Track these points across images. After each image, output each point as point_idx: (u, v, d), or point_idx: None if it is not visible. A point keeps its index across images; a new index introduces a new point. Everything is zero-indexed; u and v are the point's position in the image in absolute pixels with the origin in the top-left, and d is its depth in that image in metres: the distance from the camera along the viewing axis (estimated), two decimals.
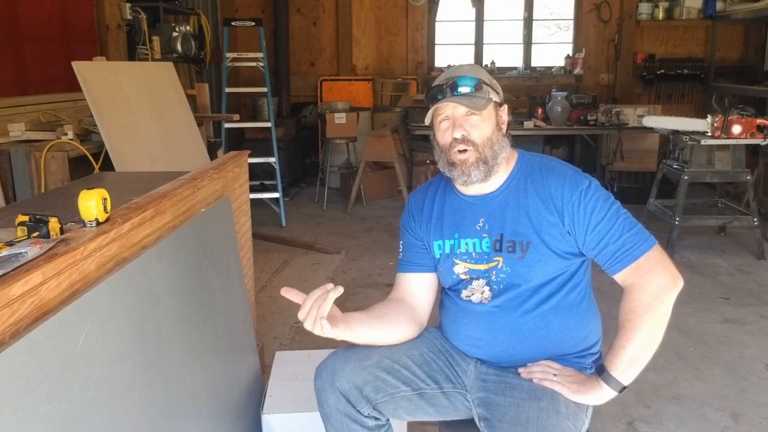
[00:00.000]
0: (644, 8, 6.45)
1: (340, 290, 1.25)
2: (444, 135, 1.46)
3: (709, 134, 3.93)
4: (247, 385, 1.89)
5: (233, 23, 5.16)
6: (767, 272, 3.89)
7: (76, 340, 1.03)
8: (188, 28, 4.82)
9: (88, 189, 1.22)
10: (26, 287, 0.96)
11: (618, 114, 5.44)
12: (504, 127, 1.49)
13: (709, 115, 3.97)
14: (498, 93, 1.48)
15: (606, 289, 1.63)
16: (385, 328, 1.47)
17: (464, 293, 1.49)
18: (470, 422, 1.45)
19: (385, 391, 1.40)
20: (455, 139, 1.43)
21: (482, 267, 1.46)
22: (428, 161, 5.63)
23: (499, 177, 1.48)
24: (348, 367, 1.40)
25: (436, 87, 1.46)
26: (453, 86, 1.42)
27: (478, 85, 1.43)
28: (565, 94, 5.61)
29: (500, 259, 1.44)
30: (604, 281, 1.53)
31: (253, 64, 5.09)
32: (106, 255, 1.20)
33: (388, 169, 5.78)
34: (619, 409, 2.33)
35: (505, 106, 1.51)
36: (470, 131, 1.42)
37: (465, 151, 1.42)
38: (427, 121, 1.49)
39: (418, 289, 1.56)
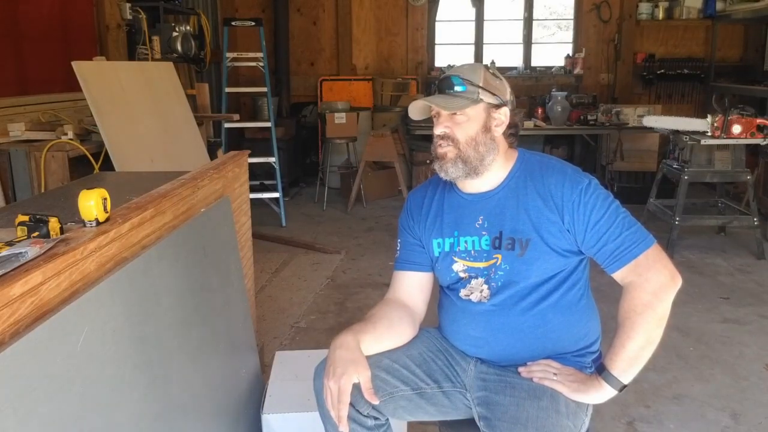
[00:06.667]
0: (644, 8, 6.45)
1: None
2: (435, 128, 1.49)
3: (709, 134, 3.93)
4: (247, 385, 1.89)
5: (233, 23, 5.16)
6: (767, 272, 3.89)
7: (76, 340, 1.03)
8: (188, 28, 4.82)
9: (88, 189, 1.22)
10: (26, 287, 0.96)
11: (618, 114, 5.44)
12: (498, 128, 1.47)
13: (709, 115, 3.97)
14: (495, 95, 1.47)
15: (605, 289, 1.63)
16: (393, 336, 1.49)
17: (463, 292, 1.49)
18: (470, 422, 1.45)
19: (385, 390, 1.41)
20: (437, 135, 1.46)
21: (481, 265, 1.46)
22: (428, 161, 5.59)
23: (499, 175, 1.49)
24: None
25: (434, 83, 1.49)
26: (441, 85, 1.46)
27: (468, 86, 1.44)
28: (565, 93, 5.61)
29: (499, 256, 1.44)
30: (603, 281, 1.53)
31: (253, 64, 5.08)
32: (106, 255, 1.20)
33: (388, 169, 5.78)
34: (619, 409, 2.33)
35: (505, 108, 1.49)
36: (454, 129, 1.44)
37: (446, 145, 1.45)
38: (416, 116, 1.53)
39: (414, 287, 1.57)
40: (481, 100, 1.44)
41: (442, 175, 1.48)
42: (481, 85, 1.45)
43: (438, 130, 1.45)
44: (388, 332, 1.48)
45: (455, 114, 1.44)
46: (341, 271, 3.96)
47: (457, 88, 1.43)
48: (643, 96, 6.56)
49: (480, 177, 1.47)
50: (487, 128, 1.46)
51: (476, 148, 1.44)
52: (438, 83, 1.46)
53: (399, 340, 1.50)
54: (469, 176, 1.46)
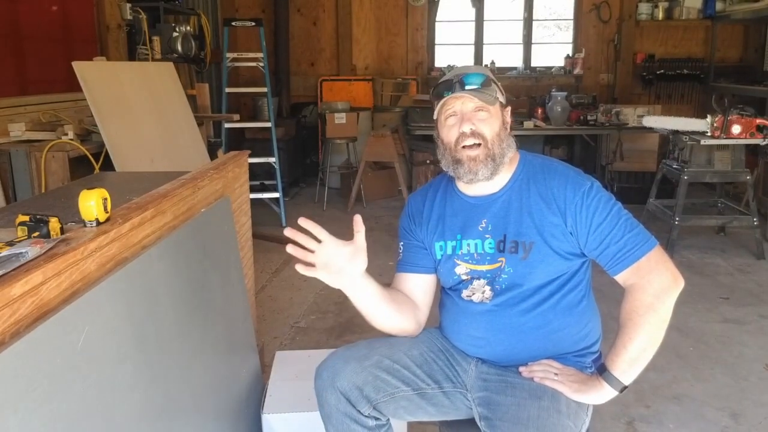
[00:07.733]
0: (644, 8, 6.45)
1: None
2: (450, 131, 1.46)
3: (709, 134, 3.93)
4: (247, 385, 1.89)
5: (233, 23, 5.16)
6: (767, 272, 3.89)
7: (76, 340, 1.03)
8: (188, 28, 4.82)
9: (89, 189, 1.22)
10: (26, 287, 0.96)
11: (618, 114, 5.44)
12: (508, 127, 1.50)
13: (708, 115, 3.97)
14: (503, 94, 1.51)
15: (606, 289, 1.63)
16: (394, 310, 1.47)
17: (465, 293, 1.49)
18: (470, 422, 1.45)
19: (386, 390, 1.41)
20: (463, 133, 1.43)
21: (485, 268, 1.46)
22: (428, 161, 5.63)
23: (502, 178, 1.49)
24: (348, 367, 1.40)
25: (444, 83, 1.47)
26: (462, 82, 1.43)
27: (486, 82, 1.45)
28: (564, 94, 5.61)
29: (504, 259, 1.44)
30: (604, 281, 1.53)
31: (253, 64, 5.08)
32: (106, 255, 1.20)
33: (388, 169, 5.78)
34: (619, 409, 2.33)
35: (509, 108, 1.52)
36: (479, 126, 1.43)
37: (474, 146, 1.43)
38: (435, 116, 1.50)
39: (417, 289, 1.56)
40: (497, 98, 1.46)
41: (467, 177, 1.45)
42: (495, 81, 1.48)
43: (465, 128, 1.43)
44: (391, 302, 1.46)
45: (478, 111, 1.44)
46: None
47: (483, 85, 1.43)
48: (642, 96, 6.56)
49: (493, 178, 1.46)
50: (504, 125, 1.48)
51: (500, 144, 1.45)
52: (461, 79, 1.44)
53: (394, 319, 1.48)
54: (492, 176, 1.45)
